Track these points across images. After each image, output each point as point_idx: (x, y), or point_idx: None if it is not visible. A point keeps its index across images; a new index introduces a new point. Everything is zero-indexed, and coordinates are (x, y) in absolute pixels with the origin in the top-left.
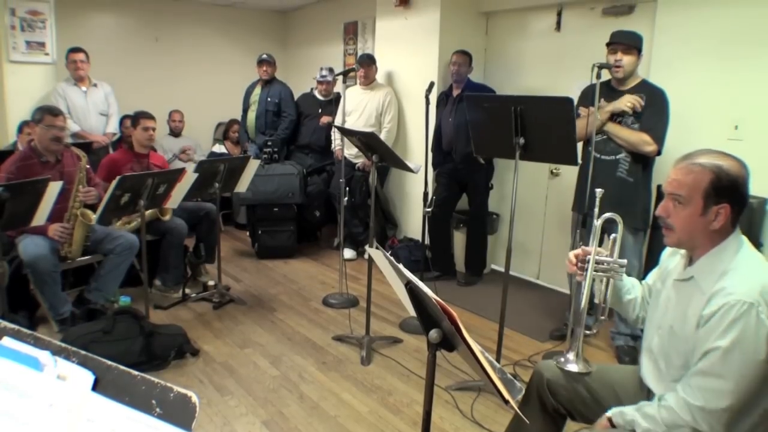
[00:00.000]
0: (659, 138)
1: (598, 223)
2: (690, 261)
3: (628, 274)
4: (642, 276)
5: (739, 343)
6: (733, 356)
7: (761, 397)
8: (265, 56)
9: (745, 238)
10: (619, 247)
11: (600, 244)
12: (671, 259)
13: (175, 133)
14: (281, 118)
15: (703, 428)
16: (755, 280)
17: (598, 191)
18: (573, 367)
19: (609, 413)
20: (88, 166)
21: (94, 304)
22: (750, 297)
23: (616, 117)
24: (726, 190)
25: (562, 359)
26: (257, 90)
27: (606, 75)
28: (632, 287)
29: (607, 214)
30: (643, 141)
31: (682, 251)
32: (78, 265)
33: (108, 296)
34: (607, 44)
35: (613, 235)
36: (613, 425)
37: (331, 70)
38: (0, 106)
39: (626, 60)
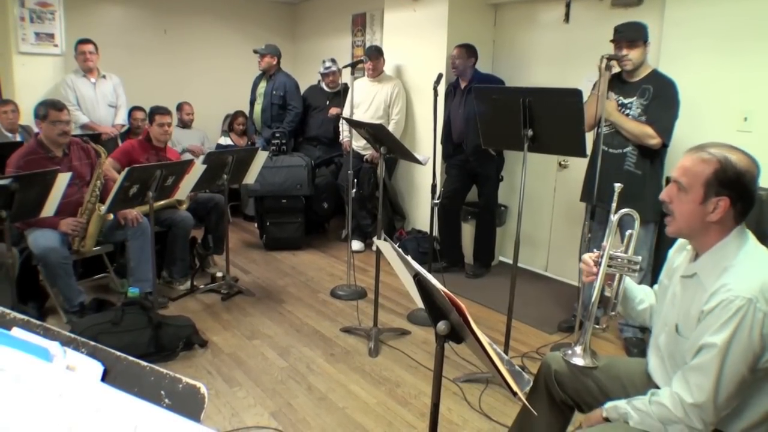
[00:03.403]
0: (665, 130)
1: (615, 218)
2: (695, 257)
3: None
4: (650, 268)
5: (735, 339)
6: (728, 352)
7: (761, 397)
8: (258, 48)
9: (750, 234)
10: (635, 244)
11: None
12: (678, 255)
13: (186, 125)
14: (287, 111)
15: (696, 425)
16: (756, 277)
17: (617, 186)
18: (579, 361)
19: (604, 410)
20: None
21: (145, 300)
22: (749, 293)
23: (624, 109)
24: (729, 182)
25: (570, 352)
26: (263, 82)
27: (616, 67)
28: (645, 296)
29: (625, 210)
30: (646, 134)
31: (689, 247)
32: (87, 256)
33: (149, 283)
34: (611, 40)
35: (629, 231)
36: (607, 420)
37: (333, 60)
38: (10, 97)
39: (633, 54)
